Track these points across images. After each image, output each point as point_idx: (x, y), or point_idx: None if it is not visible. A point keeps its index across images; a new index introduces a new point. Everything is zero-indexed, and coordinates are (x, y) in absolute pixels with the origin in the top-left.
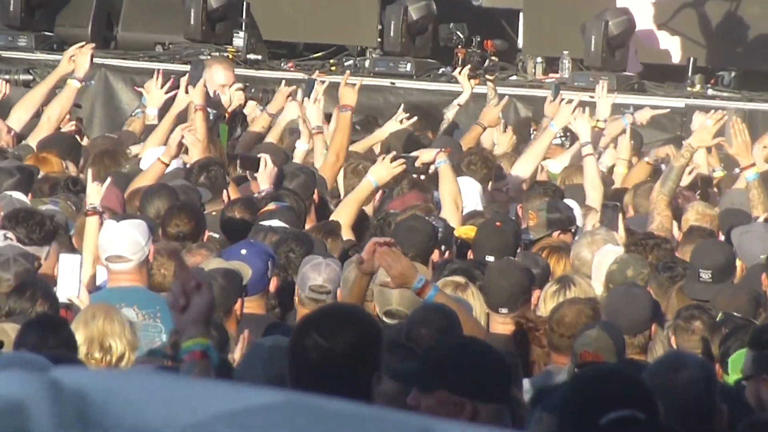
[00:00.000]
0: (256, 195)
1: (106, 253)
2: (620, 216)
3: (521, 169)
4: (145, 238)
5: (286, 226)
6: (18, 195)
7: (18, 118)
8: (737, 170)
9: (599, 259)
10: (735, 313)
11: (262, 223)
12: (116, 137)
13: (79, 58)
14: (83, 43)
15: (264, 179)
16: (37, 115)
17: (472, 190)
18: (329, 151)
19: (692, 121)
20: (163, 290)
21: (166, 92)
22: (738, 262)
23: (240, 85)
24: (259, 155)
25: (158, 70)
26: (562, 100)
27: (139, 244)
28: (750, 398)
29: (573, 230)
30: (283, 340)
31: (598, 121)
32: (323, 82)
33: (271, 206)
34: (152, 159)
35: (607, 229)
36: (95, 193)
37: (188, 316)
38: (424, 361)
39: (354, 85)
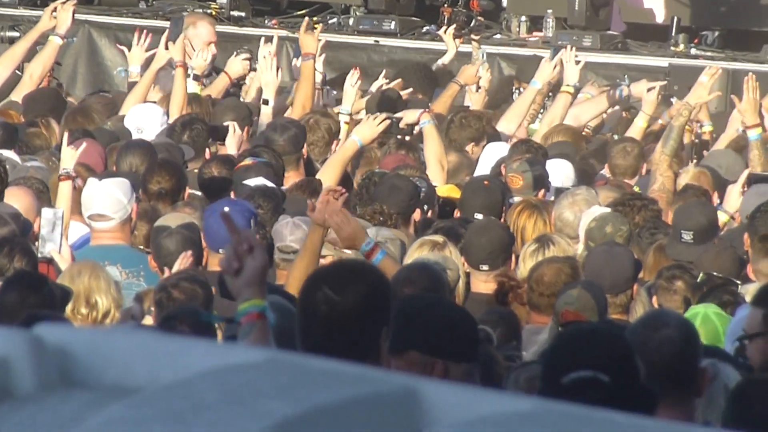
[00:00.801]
0: None
1: (89, 212)
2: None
3: (506, 126)
4: (128, 196)
5: (268, 184)
6: (7, 153)
7: None
8: (740, 129)
9: (586, 219)
10: (716, 274)
11: (244, 183)
12: (110, 96)
13: (60, 14)
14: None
15: (232, 145)
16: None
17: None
18: (295, 102)
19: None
20: None
21: (147, 50)
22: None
23: (247, 54)
24: (225, 123)
25: (138, 27)
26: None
27: (122, 202)
28: (755, 357)
29: (548, 187)
30: (276, 299)
31: (567, 86)
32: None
33: (248, 161)
34: (135, 115)
35: (587, 188)
36: (69, 157)
37: (242, 278)
38: (395, 322)
39: (314, 30)
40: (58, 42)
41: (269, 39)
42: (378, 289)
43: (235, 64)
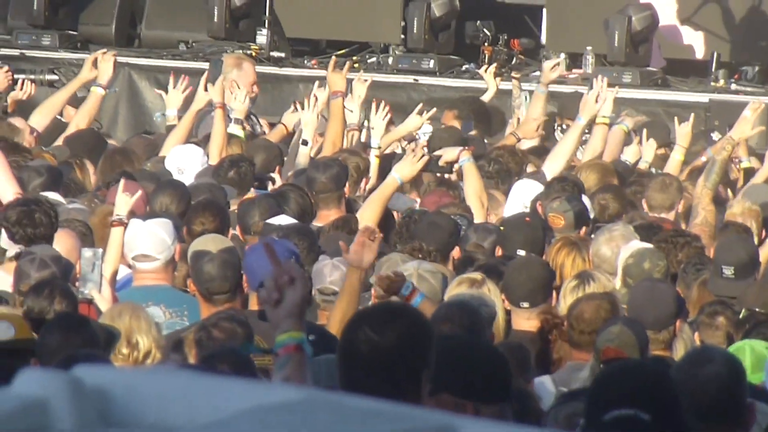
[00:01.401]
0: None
1: (133, 252)
2: None
3: (552, 166)
4: (171, 236)
5: (295, 221)
6: (52, 195)
7: (38, 122)
8: None
9: (624, 255)
10: (759, 310)
11: (270, 221)
12: (151, 138)
13: (101, 65)
14: (105, 50)
15: None
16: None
17: None
18: (326, 141)
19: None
20: None
21: (183, 92)
22: None
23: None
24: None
25: (173, 70)
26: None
27: (166, 242)
28: None
29: (588, 223)
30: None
31: (603, 117)
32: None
33: (250, 194)
34: (176, 156)
35: (624, 223)
36: (124, 203)
37: (282, 310)
38: None
39: (341, 69)
40: (101, 92)
41: (323, 84)
42: (419, 331)
43: (291, 117)
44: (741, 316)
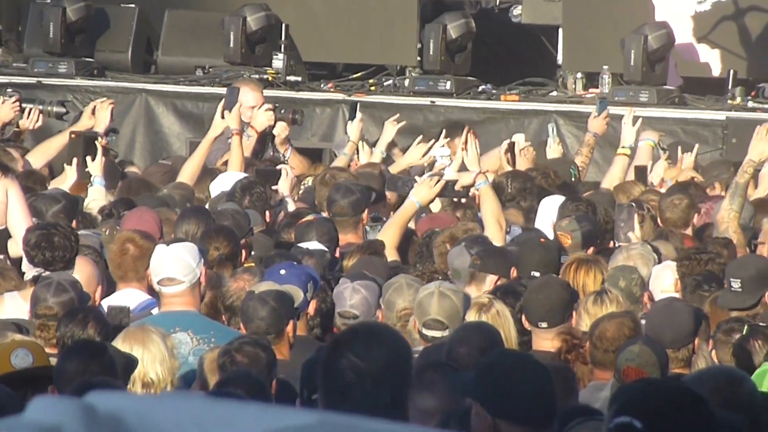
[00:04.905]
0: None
1: (158, 276)
2: (636, 216)
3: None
4: (196, 260)
5: (323, 248)
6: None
7: (32, 164)
8: None
9: (656, 272)
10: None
11: (300, 245)
12: (169, 164)
13: (99, 113)
14: (104, 98)
15: (285, 188)
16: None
17: None
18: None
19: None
20: None
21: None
22: None
23: (270, 105)
24: (278, 167)
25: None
26: (608, 115)
27: (191, 266)
28: None
29: (597, 244)
30: None
31: (624, 148)
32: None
33: (310, 217)
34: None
35: (643, 243)
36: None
37: None
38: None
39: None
40: (101, 140)
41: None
42: (400, 352)
43: (260, 116)
44: (744, 332)
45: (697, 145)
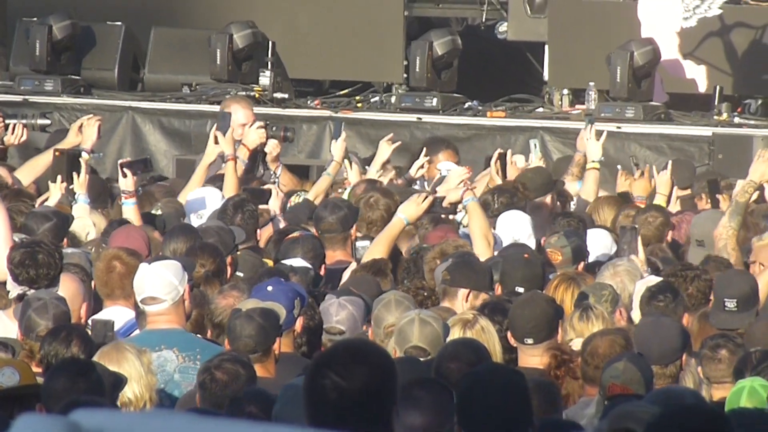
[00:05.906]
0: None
1: (141, 296)
2: (639, 239)
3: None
4: (179, 277)
5: (308, 265)
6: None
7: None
8: None
9: (639, 288)
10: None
11: (284, 261)
12: (168, 185)
13: (86, 130)
14: (90, 115)
15: (276, 207)
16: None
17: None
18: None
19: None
20: None
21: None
22: None
23: (261, 123)
24: (266, 187)
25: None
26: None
27: (173, 284)
28: None
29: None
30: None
31: (593, 162)
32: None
33: (296, 234)
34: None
35: (628, 258)
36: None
37: None
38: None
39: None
40: (85, 157)
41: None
42: (384, 369)
43: (252, 134)
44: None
45: (670, 162)
